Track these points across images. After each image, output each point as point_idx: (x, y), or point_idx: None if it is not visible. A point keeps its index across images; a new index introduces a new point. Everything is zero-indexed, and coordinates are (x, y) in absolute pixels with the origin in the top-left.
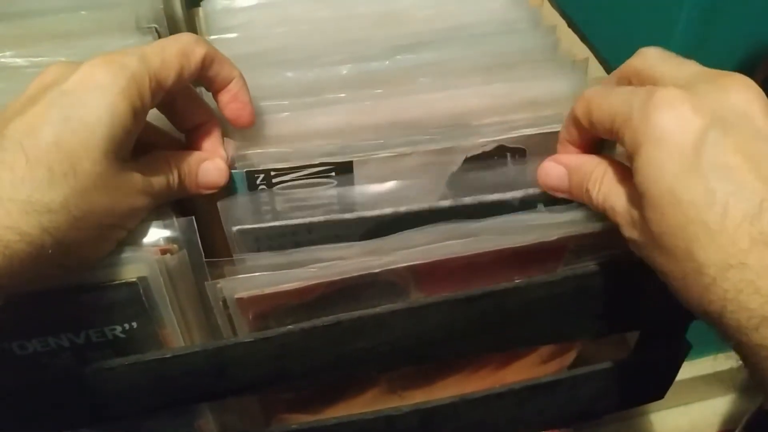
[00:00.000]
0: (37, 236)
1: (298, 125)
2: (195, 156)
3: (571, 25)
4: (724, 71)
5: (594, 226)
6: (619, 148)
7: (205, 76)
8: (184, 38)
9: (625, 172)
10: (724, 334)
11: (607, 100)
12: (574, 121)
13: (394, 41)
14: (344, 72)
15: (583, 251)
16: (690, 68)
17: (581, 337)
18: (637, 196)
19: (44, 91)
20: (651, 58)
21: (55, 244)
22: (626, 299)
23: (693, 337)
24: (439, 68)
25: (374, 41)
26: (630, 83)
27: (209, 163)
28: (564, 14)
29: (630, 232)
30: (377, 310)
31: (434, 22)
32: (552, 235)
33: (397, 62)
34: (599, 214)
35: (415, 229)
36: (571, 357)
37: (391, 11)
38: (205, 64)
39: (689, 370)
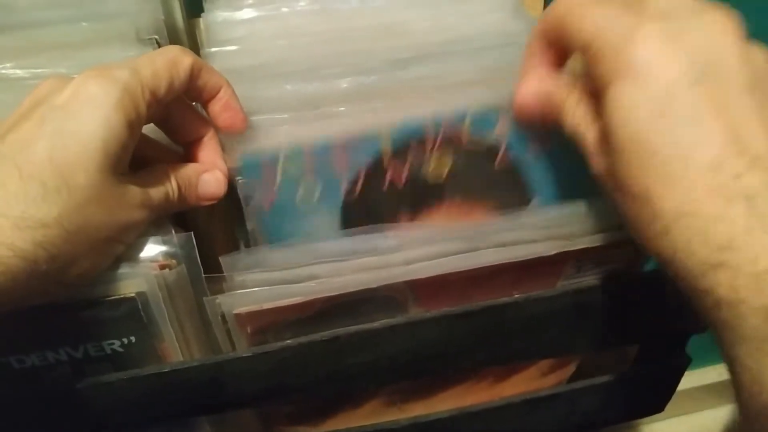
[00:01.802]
0: (30, 251)
1: (298, 138)
2: (194, 168)
3: None
4: (706, 5)
5: (592, 240)
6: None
7: (194, 87)
8: (171, 49)
9: (598, 102)
10: (675, 278)
11: (591, 13)
12: (543, 34)
13: (394, 54)
14: (344, 85)
15: (582, 266)
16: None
17: (580, 351)
18: (605, 132)
19: (37, 106)
20: None
21: (50, 259)
22: (625, 314)
23: (693, 347)
24: (440, 81)
25: (374, 54)
26: None
27: (208, 175)
28: None
29: (597, 163)
30: (375, 325)
31: (434, 34)
32: (551, 250)
33: (397, 75)
34: (599, 227)
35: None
36: (570, 370)
37: (390, 24)
38: (194, 73)
39: (690, 380)
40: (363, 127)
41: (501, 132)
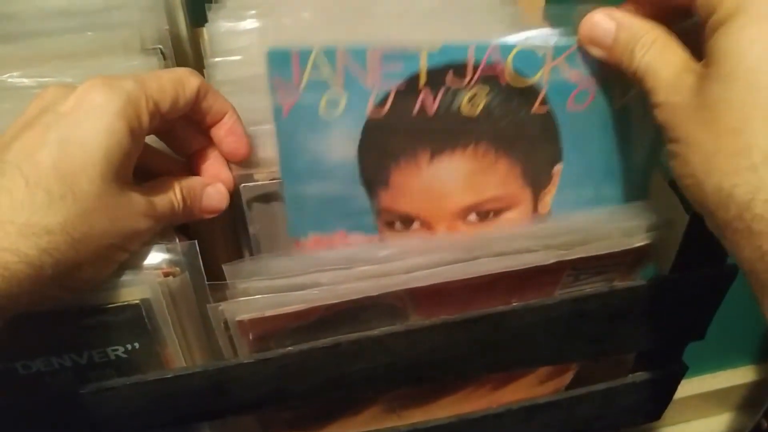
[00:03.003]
0: (35, 257)
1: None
2: (199, 181)
3: None
4: None
5: (590, 250)
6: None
7: (199, 109)
8: (180, 69)
9: (677, 44)
10: (732, 223)
11: None
12: None
13: None
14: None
15: (580, 275)
16: None
17: (578, 359)
18: (693, 65)
19: (42, 113)
20: None
21: (55, 264)
22: (623, 322)
23: (690, 355)
24: None
25: None
26: None
27: (211, 188)
28: None
29: (668, 95)
30: (376, 332)
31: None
32: (549, 259)
33: None
34: (596, 237)
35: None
36: (569, 377)
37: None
38: (200, 95)
39: (687, 387)
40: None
41: (546, 75)
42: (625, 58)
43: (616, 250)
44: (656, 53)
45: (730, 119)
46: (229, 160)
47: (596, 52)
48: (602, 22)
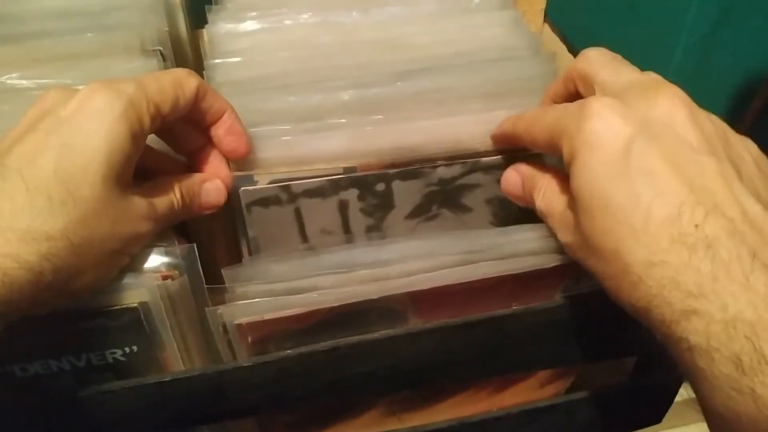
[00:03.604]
0: (36, 263)
1: (300, 149)
2: (198, 178)
3: (572, 50)
4: (657, 80)
5: None
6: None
7: (199, 109)
8: (178, 70)
9: (565, 183)
10: (652, 328)
11: (544, 119)
12: (515, 138)
13: (395, 67)
14: (346, 97)
15: (580, 278)
16: (626, 76)
17: (579, 362)
18: (572, 202)
19: (43, 117)
20: (593, 62)
21: (55, 270)
22: (624, 326)
23: None
24: (441, 94)
25: (376, 67)
26: (574, 84)
27: (209, 184)
28: (565, 40)
29: (565, 236)
30: (376, 335)
31: (436, 48)
32: (550, 263)
33: (398, 88)
34: None
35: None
36: (569, 380)
37: (392, 38)
38: (199, 96)
39: (688, 390)
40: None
41: None
42: (530, 202)
43: None
44: (549, 195)
45: (606, 246)
46: (230, 159)
47: (516, 200)
48: (511, 176)
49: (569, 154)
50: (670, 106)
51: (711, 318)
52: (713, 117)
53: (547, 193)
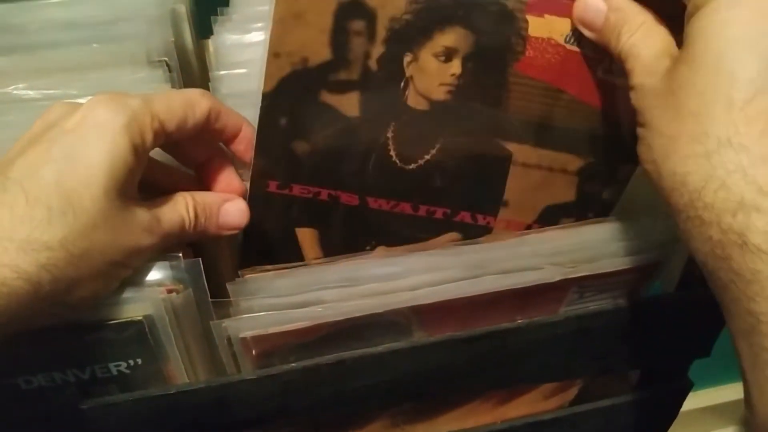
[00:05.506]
0: (34, 273)
1: None
2: (216, 197)
3: None
4: None
5: (595, 267)
6: None
7: (213, 129)
8: (191, 91)
9: (663, 30)
10: (685, 210)
11: None
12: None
13: None
14: None
15: (584, 292)
16: None
17: (583, 375)
18: (671, 51)
19: (47, 130)
20: None
21: (53, 281)
22: (628, 339)
23: (696, 368)
24: None
25: None
26: None
27: (230, 205)
28: None
29: (643, 78)
30: (380, 349)
31: None
32: (554, 277)
33: None
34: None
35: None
36: (573, 392)
37: None
38: (212, 117)
39: (693, 401)
40: None
41: None
42: (612, 39)
43: (622, 267)
44: (641, 36)
45: (691, 103)
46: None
47: (587, 33)
48: (595, 3)
49: None
50: None
51: None
52: None
53: (639, 34)
